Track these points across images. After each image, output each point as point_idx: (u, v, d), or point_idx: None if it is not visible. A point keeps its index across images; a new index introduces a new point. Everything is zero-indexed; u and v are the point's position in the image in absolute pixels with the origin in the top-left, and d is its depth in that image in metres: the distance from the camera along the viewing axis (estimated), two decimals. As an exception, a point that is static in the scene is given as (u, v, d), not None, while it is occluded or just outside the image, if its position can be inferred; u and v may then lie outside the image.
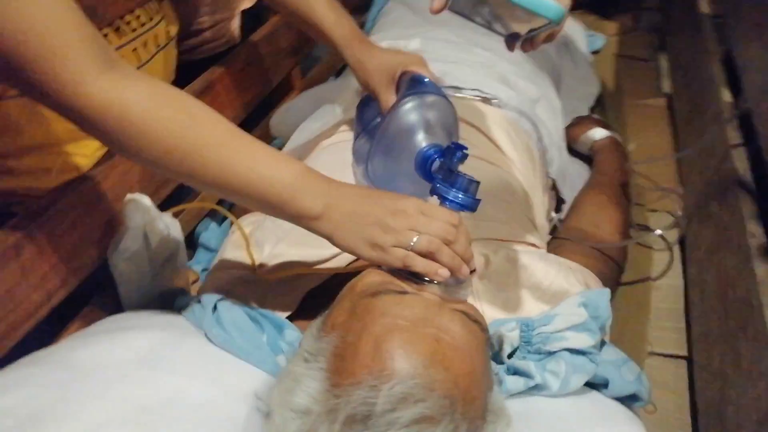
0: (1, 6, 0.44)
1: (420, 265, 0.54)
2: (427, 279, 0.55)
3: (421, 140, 0.66)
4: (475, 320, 0.53)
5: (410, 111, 0.67)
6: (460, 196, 0.58)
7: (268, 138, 1.04)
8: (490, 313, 0.66)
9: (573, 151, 1.18)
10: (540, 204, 0.87)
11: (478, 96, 0.90)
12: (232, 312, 0.62)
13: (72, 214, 0.69)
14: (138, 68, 0.73)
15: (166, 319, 0.66)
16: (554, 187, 0.95)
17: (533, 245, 0.77)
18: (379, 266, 0.56)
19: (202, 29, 1.00)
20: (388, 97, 0.71)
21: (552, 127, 1.02)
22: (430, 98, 0.68)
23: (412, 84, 0.71)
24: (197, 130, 0.53)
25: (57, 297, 0.69)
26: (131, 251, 0.73)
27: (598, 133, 1.13)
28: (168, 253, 0.79)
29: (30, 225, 0.64)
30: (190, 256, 1.00)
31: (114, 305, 0.79)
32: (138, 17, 0.73)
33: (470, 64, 1.00)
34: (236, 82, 0.96)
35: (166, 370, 0.56)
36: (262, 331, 0.62)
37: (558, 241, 0.90)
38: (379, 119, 0.73)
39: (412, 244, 0.54)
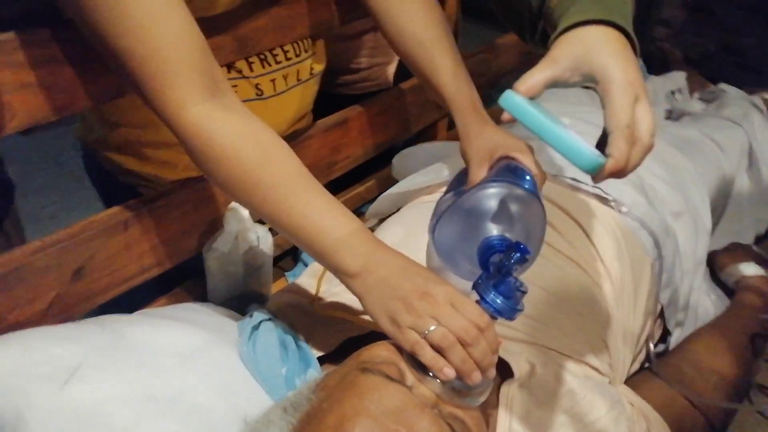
0: (136, 30, 0.53)
1: (427, 356, 0.52)
2: (432, 373, 0.53)
3: (492, 228, 0.63)
4: None
5: (493, 196, 0.65)
6: (498, 300, 0.55)
7: (390, 178, 1.07)
8: (516, 427, 0.62)
9: (717, 279, 1.04)
10: (633, 328, 0.78)
11: (596, 194, 0.84)
12: (268, 336, 0.66)
13: (182, 207, 0.79)
14: (271, 97, 0.81)
15: (220, 323, 0.72)
16: (663, 315, 0.85)
17: (596, 369, 0.69)
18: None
19: (360, 69, 1.07)
20: (477, 172, 0.69)
21: (687, 248, 0.91)
22: (520, 192, 0.65)
23: (509, 171, 0.68)
24: (266, 168, 0.57)
25: (150, 273, 0.79)
26: (220, 252, 0.81)
27: (750, 269, 0.98)
28: (256, 261, 0.86)
29: (142, 207, 0.75)
30: (292, 267, 1.08)
31: (201, 292, 0.88)
32: (286, 51, 0.81)
33: (609, 157, 0.93)
34: (371, 123, 1.01)
35: (188, 368, 0.61)
36: (286, 362, 0.64)
37: (645, 374, 0.80)
38: (463, 190, 0.71)
39: (426, 332, 0.53)
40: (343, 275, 0.58)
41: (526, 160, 0.70)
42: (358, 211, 1.06)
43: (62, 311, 0.71)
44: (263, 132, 0.59)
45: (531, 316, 0.69)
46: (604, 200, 0.84)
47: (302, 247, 0.60)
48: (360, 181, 1.08)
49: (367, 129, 1.01)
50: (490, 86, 1.27)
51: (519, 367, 0.64)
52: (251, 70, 0.78)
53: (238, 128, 0.57)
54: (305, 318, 0.73)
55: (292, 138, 0.90)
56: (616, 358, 0.73)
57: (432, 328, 0.53)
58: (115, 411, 0.54)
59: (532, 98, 0.52)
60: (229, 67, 0.76)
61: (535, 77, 0.52)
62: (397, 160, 1.04)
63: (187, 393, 0.59)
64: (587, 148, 0.49)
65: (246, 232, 0.82)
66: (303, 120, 0.93)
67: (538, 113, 0.49)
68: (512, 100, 0.50)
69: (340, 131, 0.96)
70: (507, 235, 0.63)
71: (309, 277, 0.81)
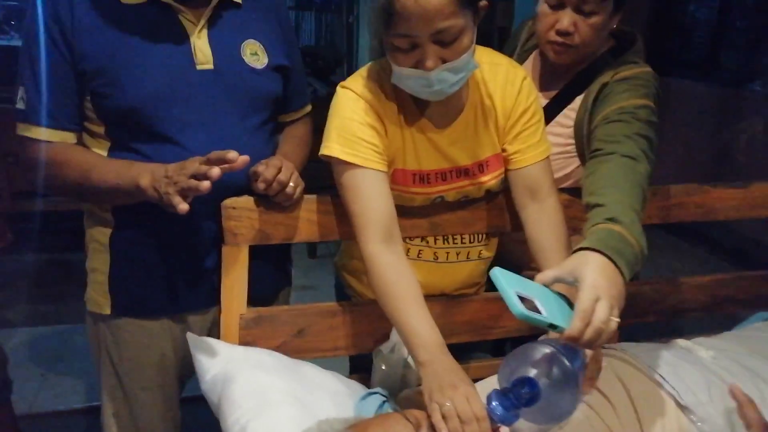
0: (358, 201, 1.02)
1: (435, 419, 0.82)
2: None
3: (530, 372, 0.87)
4: None
5: (541, 353, 0.88)
6: (498, 410, 0.81)
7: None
8: None
9: None
10: None
11: (674, 396, 0.97)
12: (373, 402, 1.02)
13: (370, 317, 1.22)
14: (443, 263, 1.20)
15: (360, 390, 1.10)
16: None
17: None
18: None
19: (535, 268, 1.39)
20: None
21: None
22: (568, 370, 0.82)
23: (572, 353, 0.89)
24: (397, 289, 0.98)
25: (338, 353, 1.23)
26: (383, 354, 1.20)
27: None
28: (407, 368, 1.21)
29: (346, 308, 1.21)
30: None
31: (367, 385, 1.26)
32: (463, 237, 1.21)
33: (723, 386, 1.02)
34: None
35: (324, 396, 1.02)
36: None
37: None
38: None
39: (442, 405, 0.82)
40: (416, 362, 0.92)
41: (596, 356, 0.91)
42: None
43: (284, 353, 1.18)
44: (405, 270, 1.01)
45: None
46: (678, 403, 0.96)
47: (402, 338, 0.96)
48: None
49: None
50: (664, 316, 1.42)
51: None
52: (435, 242, 1.21)
53: (392, 263, 1.01)
54: (409, 404, 1.05)
55: (460, 297, 1.27)
56: None
57: (447, 404, 0.82)
58: (274, 393, 0.97)
59: (545, 285, 0.82)
60: (422, 238, 1.21)
61: (547, 273, 0.83)
62: None
63: (316, 407, 0.98)
64: (517, 303, 0.75)
65: (402, 346, 1.19)
66: (473, 288, 1.29)
67: (504, 281, 0.78)
68: (494, 272, 0.80)
69: (500, 305, 1.26)
70: (539, 380, 0.87)
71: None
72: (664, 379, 1.00)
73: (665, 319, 1.44)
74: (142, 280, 1.13)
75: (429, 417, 0.84)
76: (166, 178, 0.95)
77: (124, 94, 1.02)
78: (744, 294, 1.46)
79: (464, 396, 0.84)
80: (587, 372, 0.91)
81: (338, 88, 1.07)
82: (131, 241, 1.12)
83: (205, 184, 0.91)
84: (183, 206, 0.92)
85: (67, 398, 2.06)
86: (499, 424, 0.83)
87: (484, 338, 1.32)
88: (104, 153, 1.09)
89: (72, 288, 1.47)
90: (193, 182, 0.92)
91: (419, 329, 0.94)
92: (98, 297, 1.15)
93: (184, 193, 0.93)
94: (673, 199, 1.32)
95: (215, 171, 0.90)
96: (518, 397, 0.82)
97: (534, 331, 1.33)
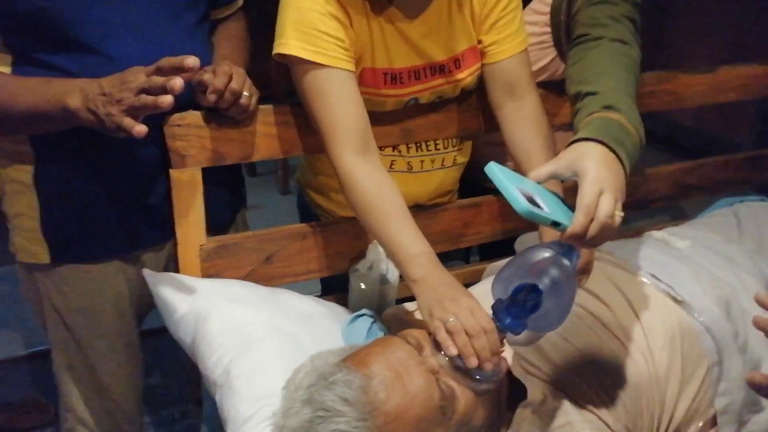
0: (326, 108, 0.90)
1: (441, 336, 0.76)
2: (443, 352, 0.76)
3: (530, 279, 0.83)
4: (443, 396, 0.71)
5: (540, 255, 0.82)
6: (506, 319, 0.76)
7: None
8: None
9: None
10: (670, 414, 0.86)
11: (669, 293, 0.96)
12: (362, 324, 0.95)
13: (342, 236, 1.13)
14: (417, 172, 1.11)
15: (340, 311, 1.04)
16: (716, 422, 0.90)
17: (606, 424, 0.81)
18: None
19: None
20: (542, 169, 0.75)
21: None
22: (568, 272, 0.77)
23: (561, 244, 0.85)
24: (379, 202, 0.89)
25: (311, 276, 1.15)
26: (360, 272, 1.13)
27: None
28: (384, 285, 1.15)
29: (317, 228, 1.11)
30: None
31: (344, 304, 1.20)
32: (437, 143, 1.12)
33: (710, 276, 1.02)
34: (503, 211, 1.25)
35: (305, 321, 0.95)
36: (367, 340, 0.92)
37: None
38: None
39: (446, 321, 0.76)
40: (408, 279, 0.85)
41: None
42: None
43: (253, 281, 1.09)
44: (385, 181, 0.91)
45: (556, 364, 0.86)
46: (676, 300, 0.95)
47: (389, 255, 0.88)
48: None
49: (498, 215, 1.26)
50: (634, 208, 1.41)
51: (533, 392, 0.81)
52: (407, 151, 1.11)
53: (371, 175, 0.91)
54: (399, 324, 1.00)
55: (434, 207, 1.20)
56: (636, 426, 0.83)
57: (451, 320, 0.76)
58: (255, 328, 0.88)
59: (538, 182, 0.75)
60: (393, 147, 1.11)
61: (542, 168, 0.74)
62: (518, 244, 1.25)
63: (303, 338, 0.90)
64: (520, 198, 0.67)
65: (380, 263, 1.12)
66: (447, 197, 1.22)
67: (503, 176, 0.70)
68: (491, 166, 0.72)
69: (473, 211, 1.23)
70: (539, 285, 0.82)
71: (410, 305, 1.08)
72: (656, 278, 0.99)
73: (633, 211, 1.43)
74: (81, 220, 0.98)
75: (430, 335, 0.78)
76: (104, 96, 0.78)
77: None
78: (707, 181, 1.46)
79: (468, 309, 0.77)
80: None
81: None
82: (61, 178, 0.96)
83: (168, 99, 0.76)
84: (140, 128, 0.77)
85: (7, 347, 1.91)
86: (505, 335, 0.78)
87: (458, 246, 1.27)
88: (6, 70, 0.90)
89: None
90: (149, 98, 0.76)
91: (409, 244, 0.86)
92: (30, 245, 0.99)
93: (132, 113, 0.78)
94: (646, 86, 1.27)
95: (178, 82, 0.76)
96: (524, 304, 0.77)
97: (506, 236, 1.30)
